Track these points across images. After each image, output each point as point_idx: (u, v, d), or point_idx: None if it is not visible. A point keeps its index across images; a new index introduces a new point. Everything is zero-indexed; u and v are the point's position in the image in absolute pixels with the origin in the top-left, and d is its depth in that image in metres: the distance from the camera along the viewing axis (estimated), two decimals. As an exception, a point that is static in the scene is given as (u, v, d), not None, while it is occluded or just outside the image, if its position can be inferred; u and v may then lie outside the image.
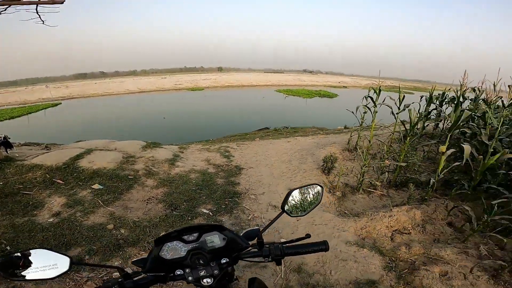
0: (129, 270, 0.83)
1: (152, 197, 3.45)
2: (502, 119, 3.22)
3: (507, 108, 3.49)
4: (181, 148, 5.37)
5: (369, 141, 4.40)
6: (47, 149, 5.22)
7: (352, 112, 5.23)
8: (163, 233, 0.86)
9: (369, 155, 4.02)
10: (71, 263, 0.74)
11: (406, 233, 2.99)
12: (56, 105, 25.91)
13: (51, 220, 2.74)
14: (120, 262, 2.28)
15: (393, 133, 5.07)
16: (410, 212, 3.13)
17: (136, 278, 0.81)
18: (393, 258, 2.58)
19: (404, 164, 3.70)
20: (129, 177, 3.71)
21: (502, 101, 5.07)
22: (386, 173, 4.10)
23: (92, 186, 3.40)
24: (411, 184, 3.54)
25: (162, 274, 0.84)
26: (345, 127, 9.90)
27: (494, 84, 4.28)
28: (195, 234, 0.87)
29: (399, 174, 3.95)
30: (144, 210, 3.17)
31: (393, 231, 3.02)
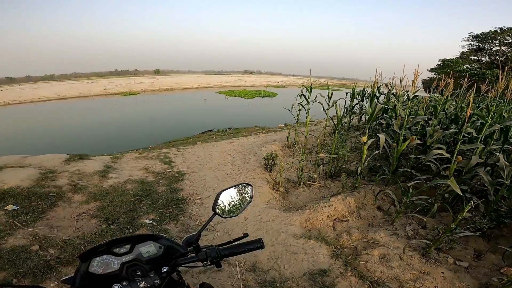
0: None
1: (83, 213, 3.09)
2: (408, 110, 3.78)
3: (411, 100, 4.12)
4: (114, 158, 4.89)
5: (305, 137, 4.72)
6: None
7: (289, 110, 5.53)
8: (89, 248, 0.80)
9: (306, 149, 4.31)
10: None
11: (345, 221, 3.25)
12: None
13: (-39, 247, 2.24)
14: (56, 283, 2.06)
15: (325, 128, 5.54)
16: (345, 200, 3.40)
17: None
18: (337, 246, 2.78)
19: (335, 156, 4.07)
20: (51, 194, 3.23)
21: (408, 94, 6.00)
22: (322, 165, 4.45)
23: (5, 208, 2.88)
24: (344, 173, 3.92)
25: None
26: (285, 125, 10.42)
27: (400, 80, 5.03)
28: (127, 246, 0.83)
29: (333, 165, 4.33)
30: (75, 228, 2.83)
31: (334, 219, 3.26)
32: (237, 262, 2.50)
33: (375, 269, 2.41)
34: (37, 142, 11.91)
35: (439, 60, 24.86)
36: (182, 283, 0.93)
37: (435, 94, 6.07)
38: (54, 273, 2.16)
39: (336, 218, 3.29)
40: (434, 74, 23.46)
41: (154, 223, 3.01)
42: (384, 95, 6.54)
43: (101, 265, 0.80)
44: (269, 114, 18.46)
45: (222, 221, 3.11)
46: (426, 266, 2.46)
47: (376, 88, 5.51)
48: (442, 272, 2.40)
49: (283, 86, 49.55)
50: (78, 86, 37.37)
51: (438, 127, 4.08)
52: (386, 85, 6.72)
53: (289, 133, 5.76)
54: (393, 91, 6.14)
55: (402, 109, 4.31)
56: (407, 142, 3.53)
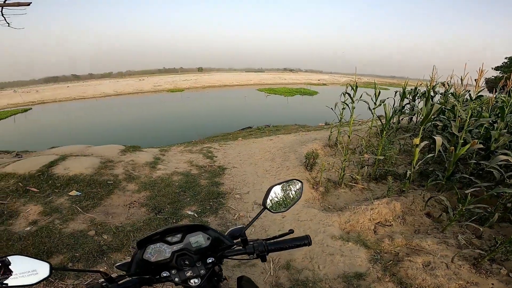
0: (114, 275, 0.82)
1: (134, 201, 3.37)
2: (470, 111, 3.40)
3: (474, 101, 3.70)
4: (162, 151, 5.26)
5: (349, 137, 4.53)
6: (19, 157, 4.94)
7: (331, 108, 5.36)
8: (145, 236, 0.85)
9: (349, 150, 4.14)
10: (51, 269, 0.73)
11: (388, 225, 3.08)
12: (26, 110, 24.47)
13: (28, 228, 2.63)
14: (105, 268, 2.24)
15: (370, 128, 5.26)
16: (390, 204, 3.22)
17: (120, 282, 0.80)
18: (377, 251, 2.65)
19: (382, 158, 3.84)
20: (109, 182, 3.59)
21: (470, 94, 5.38)
22: (366, 167, 4.23)
23: (69, 193, 3.26)
24: (390, 176, 3.68)
25: (147, 276, 0.83)
26: (326, 124, 10.12)
27: (461, 79, 4.53)
28: (179, 235, 0.86)
29: (378, 167, 4.09)
30: (127, 215, 3.09)
31: (376, 223, 3.10)
32: (271, 258, 2.52)
33: (416, 276, 2.26)
34: (97, 133, 13.34)
35: (505, 58, 21.97)
36: (221, 275, 0.94)
37: (502, 95, 5.37)
38: (105, 258, 2.35)
39: (379, 222, 3.13)
40: (500, 72, 20.81)
41: (196, 215, 3.16)
42: (440, 95, 5.97)
43: (154, 252, 0.83)
44: (309, 113, 18.08)
45: (260, 217, 3.14)
46: (475, 277, 2.25)
47: (432, 87, 5.04)
48: (492, 284, 2.18)
49: (324, 84, 48.06)
50: (132, 83, 40.88)
51: (505, 130, 3.60)
52: (443, 84, 6.11)
53: (331, 132, 5.58)
54: (451, 90, 5.57)
55: (463, 110, 3.88)
56: (467, 146, 3.18)
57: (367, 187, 3.94)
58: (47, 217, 2.83)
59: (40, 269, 0.72)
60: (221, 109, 20.78)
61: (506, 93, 4.36)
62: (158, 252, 0.83)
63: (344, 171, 3.89)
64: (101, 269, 0.87)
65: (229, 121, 14.58)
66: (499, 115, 3.77)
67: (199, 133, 10.57)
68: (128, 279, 0.82)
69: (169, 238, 0.85)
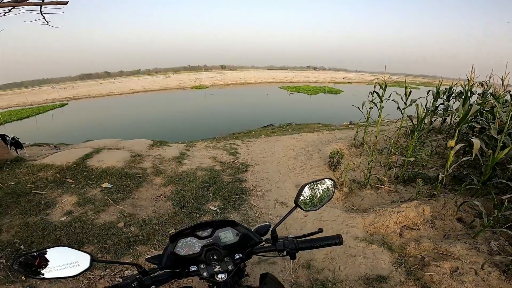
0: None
1: (161, 195, 3.49)
2: (511, 113, 3.17)
3: (516, 102, 3.43)
4: (187, 146, 5.40)
5: (376, 137, 4.38)
6: (57, 149, 5.31)
7: (358, 107, 5.20)
8: (177, 229, 0.87)
9: (376, 150, 4.00)
10: (92, 261, 0.75)
11: (415, 229, 2.97)
12: (63, 105, 26.21)
13: (63, 219, 2.80)
14: (131, 259, 2.33)
15: (400, 128, 5.03)
16: (419, 208, 3.10)
17: (153, 275, 0.82)
18: (402, 254, 2.57)
19: (412, 159, 3.67)
20: (138, 175, 3.75)
21: (511, 95, 4.98)
22: (394, 168, 4.07)
23: (102, 185, 3.45)
24: (420, 179, 3.51)
25: (177, 270, 0.85)
26: (351, 123, 9.83)
27: (502, 79, 4.22)
28: (209, 230, 0.88)
29: (407, 169, 3.92)
30: (153, 208, 3.21)
31: (402, 227, 3.01)
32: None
33: (442, 282, 2.16)
34: (127, 127, 14.00)
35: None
36: (244, 271, 0.94)
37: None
38: (131, 250, 2.43)
39: (405, 225, 3.02)
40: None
41: (218, 211, 3.22)
42: (477, 96, 5.57)
43: (185, 246, 0.85)
44: (333, 112, 17.69)
45: (281, 214, 3.14)
46: (504, 284, 2.12)
47: (470, 87, 4.73)
48: None
49: (349, 83, 46.66)
50: (158, 81, 42.38)
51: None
52: (481, 84, 5.70)
53: (357, 132, 5.43)
54: (490, 91, 5.19)
55: (503, 112, 3.61)
56: (507, 150, 2.97)
57: (394, 189, 3.80)
58: (81, 208, 2.98)
59: (82, 261, 0.74)
60: (243, 106, 20.93)
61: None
62: (189, 246, 0.85)
63: (370, 172, 3.77)
64: (127, 261, 0.90)
65: (251, 118, 14.65)
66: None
67: (222, 129, 10.73)
68: (160, 272, 0.84)
69: (199, 233, 0.87)
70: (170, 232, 2.68)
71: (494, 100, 4.20)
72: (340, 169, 4.25)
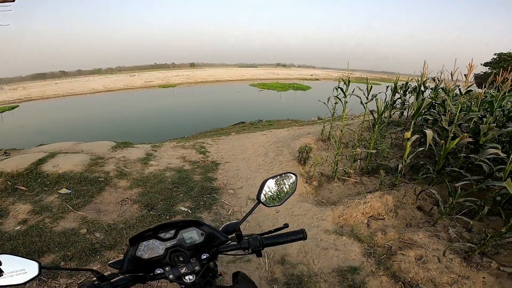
0: (107, 273, 0.80)
1: (126, 198, 3.32)
2: (460, 106, 3.45)
3: (463, 96, 3.76)
4: (154, 147, 5.19)
5: (341, 131, 4.55)
6: (6, 155, 4.80)
7: (324, 103, 5.37)
8: (138, 232, 0.83)
9: (342, 144, 4.16)
10: (40, 268, 0.71)
11: (380, 219, 3.11)
12: (13, 108, 23.76)
13: (18, 228, 2.57)
14: (98, 266, 2.21)
15: (363, 122, 5.28)
16: (382, 198, 3.26)
17: (113, 280, 0.78)
18: (371, 244, 2.69)
19: (374, 151, 3.88)
20: (100, 179, 3.53)
21: (459, 89, 5.46)
22: (358, 160, 4.27)
23: (59, 191, 3.20)
24: (382, 170, 3.71)
25: (141, 274, 0.82)
26: (319, 118, 10.16)
27: (451, 74, 4.59)
28: (172, 231, 0.85)
29: (370, 161, 4.13)
30: (119, 212, 3.05)
31: (369, 217, 3.14)
32: (266, 254, 2.52)
33: (409, 270, 2.30)
34: (87, 130, 13.09)
35: (494, 54, 22.55)
36: (216, 271, 0.94)
37: (491, 90, 5.45)
38: (98, 256, 2.32)
39: (371, 216, 3.16)
40: (489, 68, 21.31)
41: (189, 211, 3.14)
42: (430, 90, 6.05)
43: (147, 249, 0.82)
44: (302, 107, 18.14)
45: (254, 212, 3.15)
46: (466, 270, 2.30)
47: (422, 82, 5.10)
48: (483, 277, 2.22)
49: (317, 79, 48.18)
50: (122, 79, 40.17)
51: (494, 125, 3.67)
52: (434, 79, 6.19)
53: (324, 127, 5.61)
54: (441, 85, 5.65)
55: (453, 105, 3.94)
56: (457, 140, 3.24)
57: (359, 181, 3.98)
58: (37, 216, 2.77)
59: (29, 268, 0.70)
60: (214, 104, 20.63)
61: (495, 88, 4.44)
62: (151, 249, 0.82)
63: (337, 165, 3.91)
64: (94, 268, 0.86)
65: (222, 116, 14.50)
66: (488, 109, 3.85)
67: (192, 128, 10.49)
68: (121, 276, 0.81)
69: (162, 235, 0.84)
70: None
71: (445, 94, 4.57)
72: (309, 164, 4.36)
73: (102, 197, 3.28)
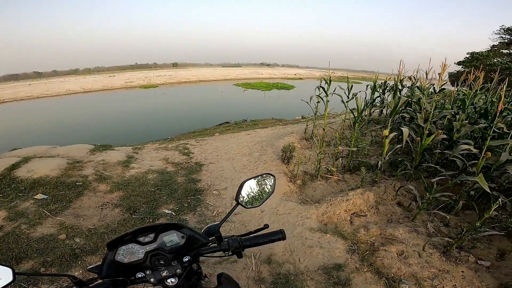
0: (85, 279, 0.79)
1: (107, 202, 3.23)
2: (434, 104, 3.60)
3: (438, 94, 3.93)
4: (135, 149, 5.06)
5: (324, 129, 4.64)
6: (-27, 161, 4.51)
7: (307, 102, 5.45)
8: (115, 237, 0.82)
9: (324, 142, 4.24)
10: (14, 274, 0.70)
11: (363, 215, 3.18)
12: (-18, 111, 22.38)
13: (-7, 234, 2.43)
14: (80, 271, 2.16)
15: (344, 121, 5.42)
16: (364, 195, 3.33)
17: (92, 285, 0.77)
18: (354, 241, 2.74)
19: (355, 149, 3.98)
20: (77, 183, 3.40)
21: (434, 87, 5.71)
22: (340, 158, 4.37)
23: (35, 197, 3.05)
24: (363, 167, 3.82)
25: (121, 278, 0.80)
26: (303, 117, 10.28)
27: (426, 73, 4.79)
28: (151, 235, 0.84)
29: (352, 158, 4.24)
30: (99, 217, 2.96)
31: (352, 214, 3.20)
32: (252, 254, 2.53)
33: (392, 265, 2.37)
34: (64, 133, 12.54)
35: (467, 53, 23.66)
36: (200, 273, 0.94)
37: (463, 88, 5.74)
38: (79, 262, 2.26)
39: (354, 213, 3.23)
40: (462, 67, 22.38)
41: (173, 213, 3.09)
42: (407, 88, 6.28)
43: (126, 253, 0.81)
44: (286, 107, 18.28)
45: (239, 212, 3.15)
46: (446, 265, 2.39)
47: (399, 81, 5.29)
48: (462, 271, 2.32)
49: (300, 79, 48.74)
50: (101, 80, 38.82)
51: (466, 121, 3.87)
52: (410, 78, 6.44)
53: (307, 126, 5.69)
54: (418, 84, 5.89)
55: (428, 103, 4.12)
56: (432, 137, 3.38)
57: (342, 178, 4.07)
58: (12, 222, 2.64)
59: (3, 275, 0.69)
60: (197, 104, 20.37)
61: (467, 86, 4.68)
62: (131, 253, 0.82)
63: (320, 164, 3.98)
64: (76, 273, 0.84)
65: (206, 116, 14.35)
66: (461, 107, 4.05)
67: (175, 129, 10.31)
68: (99, 281, 0.79)
69: (141, 239, 0.83)
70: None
71: (420, 92, 4.77)
72: (292, 162, 4.41)
73: (81, 201, 3.16)
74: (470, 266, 2.38)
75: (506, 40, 23.19)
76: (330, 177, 4.04)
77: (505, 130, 3.23)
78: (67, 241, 2.46)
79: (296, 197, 3.69)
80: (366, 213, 3.23)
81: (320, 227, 2.92)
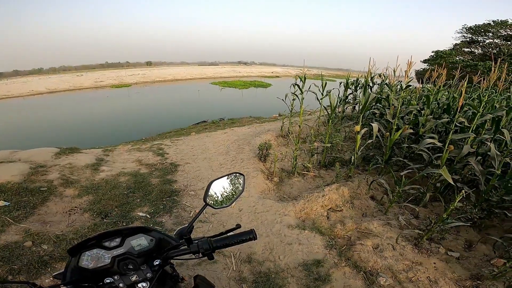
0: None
1: (75, 207, 3.05)
2: (401, 100, 3.78)
3: (404, 90, 4.13)
4: (105, 151, 4.82)
5: (299, 126, 4.70)
6: None
7: (282, 99, 5.50)
8: (77, 242, 0.78)
9: (300, 139, 4.30)
10: None
11: (339, 210, 3.25)
12: None
13: (-48, 244, 2.21)
14: (51, 279, 2.04)
15: (319, 118, 5.54)
16: (339, 190, 3.40)
17: None
18: (332, 236, 2.80)
19: (329, 145, 4.07)
20: (42, 189, 3.18)
21: (401, 84, 6.00)
22: (316, 155, 4.46)
23: (-4, 204, 2.82)
24: (338, 163, 3.92)
25: (86, 284, 0.77)
26: (280, 115, 10.38)
27: (394, 70, 5.01)
28: (118, 240, 0.82)
29: (327, 154, 4.34)
30: (68, 222, 2.80)
31: (328, 209, 3.25)
32: (232, 253, 2.51)
33: (368, 259, 2.43)
34: (27, 136, 11.68)
35: (432, 52, 24.99)
36: (176, 275, 0.92)
37: (428, 85, 6.09)
38: (49, 269, 2.14)
39: (330, 208, 3.30)
40: (427, 65, 23.67)
41: (148, 216, 2.99)
42: (377, 85, 6.55)
43: (91, 259, 0.79)
44: (264, 105, 18.37)
45: (217, 212, 3.11)
46: (418, 256, 2.49)
47: (369, 78, 5.49)
48: (434, 263, 2.43)
49: (277, 77, 49.23)
50: (68, 79, 36.49)
51: (431, 116, 4.10)
52: (380, 75, 6.71)
53: (283, 123, 5.75)
54: (387, 81, 6.15)
55: (395, 99, 4.31)
56: (400, 131, 3.55)
57: (318, 174, 4.15)
58: (-26, 230, 2.42)
59: None
60: (173, 104, 19.87)
61: (432, 83, 4.97)
62: (96, 258, 0.79)
63: (296, 160, 4.03)
64: (46, 280, 0.80)
65: (183, 116, 14.04)
66: (425, 103, 4.28)
67: (150, 130, 9.97)
68: None
69: (106, 243, 0.81)
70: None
71: (388, 89, 4.99)
72: (269, 160, 4.43)
73: (46, 207, 2.97)
74: (441, 258, 2.50)
75: (467, 39, 24.90)
76: (306, 174, 4.11)
77: (466, 124, 3.45)
78: (34, 248, 2.32)
79: (273, 194, 3.72)
80: (342, 208, 3.31)
81: (298, 224, 2.96)
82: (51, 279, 2.06)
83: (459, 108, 2.95)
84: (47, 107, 20.98)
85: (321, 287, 2.21)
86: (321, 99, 5.06)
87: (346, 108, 6.66)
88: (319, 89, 5.20)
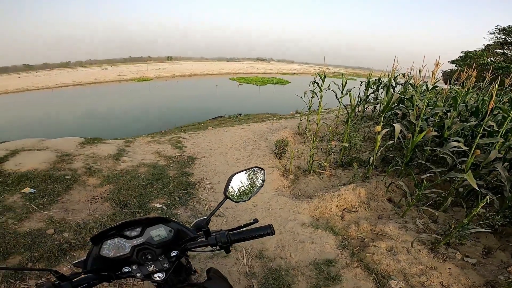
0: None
1: (97, 196, 3.18)
2: (426, 101, 3.63)
3: (430, 91, 3.96)
4: (127, 142, 4.99)
5: (317, 124, 4.64)
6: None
7: (301, 97, 5.44)
8: (100, 231, 0.79)
9: (317, 137, 4.25)
10: None
11: (354, 211, 3.20)
12: (-31, 103, 21.73)
13: (-21, 230, 2.37)
14: (68, 266, 2.12)
15: (337, 116, 5.43)
16: (355, 190, 3.34)
17: (75, 280, 0.75)
18: (345, 237, 2.76)
19: (347, 145, 3.99)
20: (66, 177, 3.34)
21: (427, 85, 5.76)
22: (333, 154, 4.39)
23: (22, 191, 2.98)
24: (355, 163, 3.83)
25: (106, 273, 0.79)
26: (297, 112, 10.28)
27: (419, 70, 4.82)
28: (138, 229, 0.82)
29: (344, 154, 4.26)
30: (89, 211, 2.91)
31: (343, 209, 3.21)
32: (244, 248, 2.53)
33: (381, 261, 2.38)
34: (54, 126, 12.31)
35: (461, 52, 23.78)
36: (190, 268, 0.93)
37: (456, 86, 5.81)
38: (68, 257, 2.22)
39: (345, 208, 3.25)
40: (456, 66, 22.57)
41: (165, 208, 3.06)
42: (400, 85, 6.33)
43: (112, 248, 0.79)
44: (281, 101, 18.24)
45: (231, 206, 3.14)
46: (433, 261, 2.41)
47: (392, 78, 5.31)
48: (449, 268, 2.34)
49: (296, 74, 48.66)
50: (93, 73, 38.04)
51: (457, 119, 3.91)
52: (404, 75, 6.47)
53: (300, 120, 5.69)
54: (411, 81, 5.93)
55: (420, 100, 4.15)
56: (423, 133, 3.41)
57: (334, 173, 4.08)
58: (0, 217, 2.57)
59: None
60: (191, 98, 20.17)
61: (460, 84, 4.73)
62: (117, 247, 0.80)
63: (312, 158, 3.99)
64: (64, 268, 0.82)
65: (200, 110, 14.23)
66: (452, 105, 4.09)
67: (168, 123, 10.21)
68: (83, 276, 0.77)
69: (127, 233, 0.81)
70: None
71: (413, 90, 4.80)
72: (285, 157, 4.41)
73: (69, 195, 3.10)
74: (457, 263, 2.41)
75: (500, 40, 23.44)
76: (322, 172, 4.05)
77: (495, 128, 3.27)
78: (55, 236, 2.41)
79: (288, 192, 3.70)
80: (357, 208, 3.25)
81: (312, 222, 2.93)
82: (69, 267, 2.14)
83: (488, 111, 2.79)
84: (73, 99, 21.99)
85: (331, 286, 2.18)
86: (340, 97, 4.96)
87: (366, 108, 6.49)
88: (338, 88, 5.10)
